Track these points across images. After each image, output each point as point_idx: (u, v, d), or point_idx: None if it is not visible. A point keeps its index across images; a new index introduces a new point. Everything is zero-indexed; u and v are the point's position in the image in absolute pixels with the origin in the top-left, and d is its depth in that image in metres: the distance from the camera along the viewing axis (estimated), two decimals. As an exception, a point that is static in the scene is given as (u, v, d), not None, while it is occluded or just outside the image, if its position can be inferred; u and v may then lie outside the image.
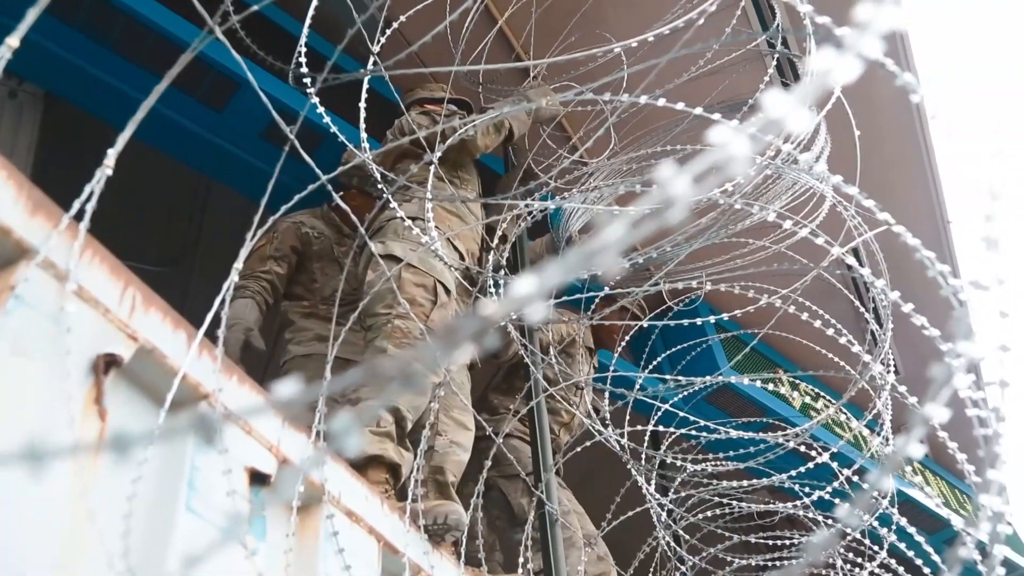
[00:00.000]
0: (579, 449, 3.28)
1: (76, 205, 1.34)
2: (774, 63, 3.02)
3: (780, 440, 2.73)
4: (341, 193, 3.24)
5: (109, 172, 1.36)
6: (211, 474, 1.51)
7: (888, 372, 2.26)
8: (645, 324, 2.76)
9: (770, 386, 2.82)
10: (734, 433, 2.76)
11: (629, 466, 2.93)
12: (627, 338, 3.67)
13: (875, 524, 2.72)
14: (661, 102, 1.44)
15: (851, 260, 1.68)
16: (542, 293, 0.36)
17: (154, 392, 1.49)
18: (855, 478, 2.69)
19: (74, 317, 1.30)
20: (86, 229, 1.36)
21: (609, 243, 0.36)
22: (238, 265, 1.61)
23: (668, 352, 3.86)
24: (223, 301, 1.58)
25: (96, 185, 1.35)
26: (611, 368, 3.53)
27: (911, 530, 2.22)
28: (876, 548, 2.89)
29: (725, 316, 2.27)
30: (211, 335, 1.59)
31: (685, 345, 3.94)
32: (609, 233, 0.36)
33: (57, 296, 1.31)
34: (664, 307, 3.70)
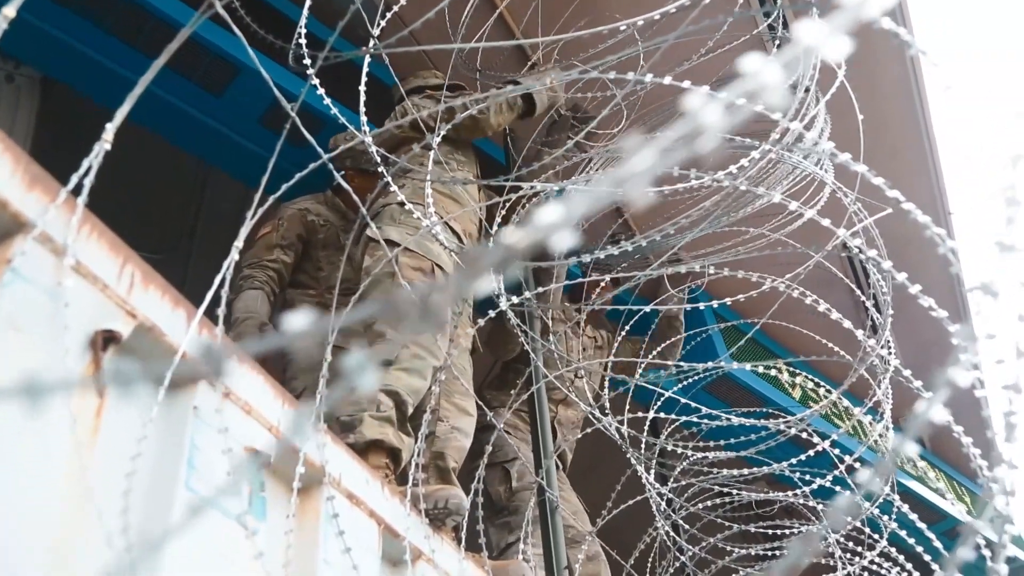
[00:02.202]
0: (580, 435, 3.27)
1: (74, 179, 1.32)
2: (775, 47, 3.00)
3: (781, 427, 2.72)
4: (342, 173, 3.24)
5: (108, 147, 1.34)
6: (210, 453, 1.50)
7: (890, 355, 2.25)
8: (648, 309, 2.74)
9: (772, 372, 2.80)
10: (735, 420, 2.75)
11: (628, 455, 2.92)
12: (627, 328, 3.66)
13: (875, 512, 2.72)
14: (667, 80, 1.42)
15: (857, 242, 1.66)
16: (568, 221, 0.34)
17: (154, 370, 1.47)
18: (856, 465, 2.69)
19: (72, 292, 1.29)
20: (84, 204, 1.34)
21: (638, 171, 0.34)
22: (238, 244, 1.59)
23: (668, 341, 3.86)
24: (223, 280, 1.56)
25: (94, 159, 1.33)
26: (611, 354, 3.52)
27: (913, 516, 2.20)
28: (876, 537, 2.88)
29: (728, 301, 2.26)
30: (211, 314, 1.57)
31: (685, 335, 3.94)
32: (638, 160, 0.34)
33: (55, 271, 1.29)
34: (665, 296, 3.69)
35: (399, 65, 3.31)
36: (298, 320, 0.36)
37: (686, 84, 1.50)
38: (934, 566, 2.33)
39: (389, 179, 2.13)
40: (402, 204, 2.81)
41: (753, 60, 0.37)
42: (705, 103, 0.36)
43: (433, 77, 3.59)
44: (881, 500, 2.79)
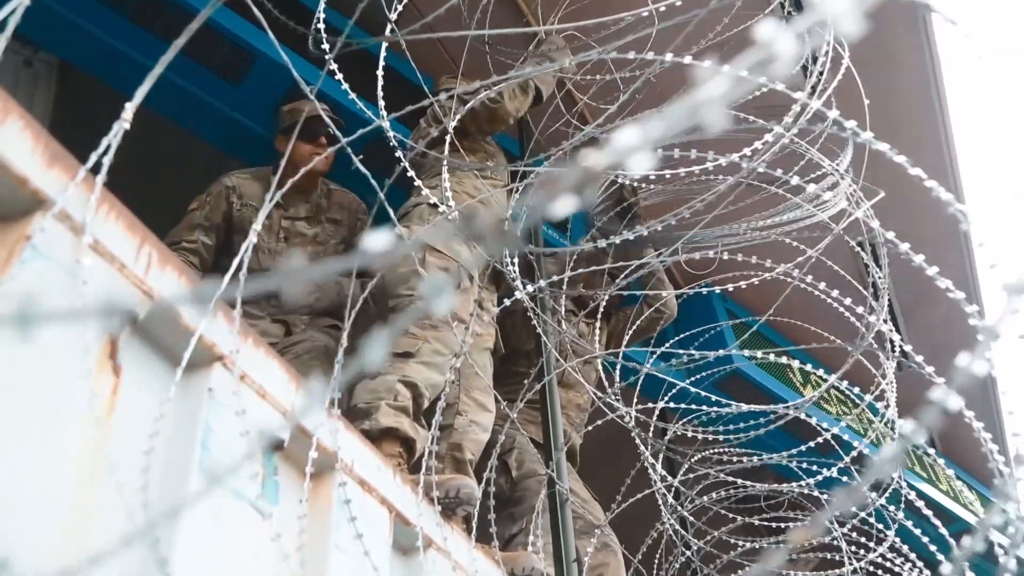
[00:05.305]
0: (589, 428, 3.26)
1: (93, 158, 1.32)
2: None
3: (789, 412, 2.73)
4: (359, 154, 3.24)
5: (127, 126, 1.35)
6: (225, 435, 1.50)
7: (892, 339, 2.24)
8: (666, 295, 2.74)
9: (781, 361, 2.80)
10: (744, 407, 2.76)
11: (634, 434, 2.90)
12: (634, 326, 3.65)
13: (883, 503, 2.71)
14: (687, 59, 1.42)
15: (875, 224, 1.65)
16: (646, 144, 0.34)
17: (169, 351, 1.48)
18: (865, 451, 2.69)
19: (90, 271, 1.29)
20: (103, 182, 1.34)
21: (711, 97, 0.34)
22: (256, 227, 1.60)
23: (679, 336, 3.84)
24: (240, 264, 1.57)
25: (114, 138, 1.33)
26: (609, 332, 3.50)
27: (920, 503, 2.20)
28: (885, 532, 2.87)
29: (742, 284, 2.25)
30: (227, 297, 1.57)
31: (696, 331, 3.92)
32: (710, 88, 0.34)
33: (73, 249, 1.29)
34: (679, 292, 3.67)
35: (416, 54, 3.31)
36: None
37: (706, 64, 1.50)
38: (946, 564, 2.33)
39: (406, 164, 2.13)
40: (433, 205, 2.81)
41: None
42: (779, 31, 0.36)
43: (452, 84, 3.60)
44: (889, 492, 2.79)
